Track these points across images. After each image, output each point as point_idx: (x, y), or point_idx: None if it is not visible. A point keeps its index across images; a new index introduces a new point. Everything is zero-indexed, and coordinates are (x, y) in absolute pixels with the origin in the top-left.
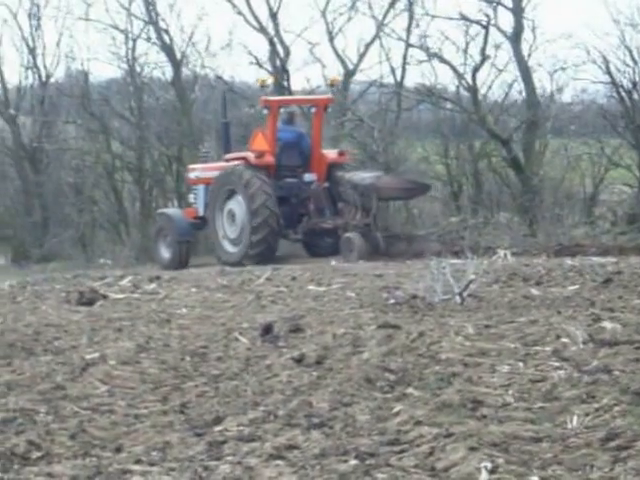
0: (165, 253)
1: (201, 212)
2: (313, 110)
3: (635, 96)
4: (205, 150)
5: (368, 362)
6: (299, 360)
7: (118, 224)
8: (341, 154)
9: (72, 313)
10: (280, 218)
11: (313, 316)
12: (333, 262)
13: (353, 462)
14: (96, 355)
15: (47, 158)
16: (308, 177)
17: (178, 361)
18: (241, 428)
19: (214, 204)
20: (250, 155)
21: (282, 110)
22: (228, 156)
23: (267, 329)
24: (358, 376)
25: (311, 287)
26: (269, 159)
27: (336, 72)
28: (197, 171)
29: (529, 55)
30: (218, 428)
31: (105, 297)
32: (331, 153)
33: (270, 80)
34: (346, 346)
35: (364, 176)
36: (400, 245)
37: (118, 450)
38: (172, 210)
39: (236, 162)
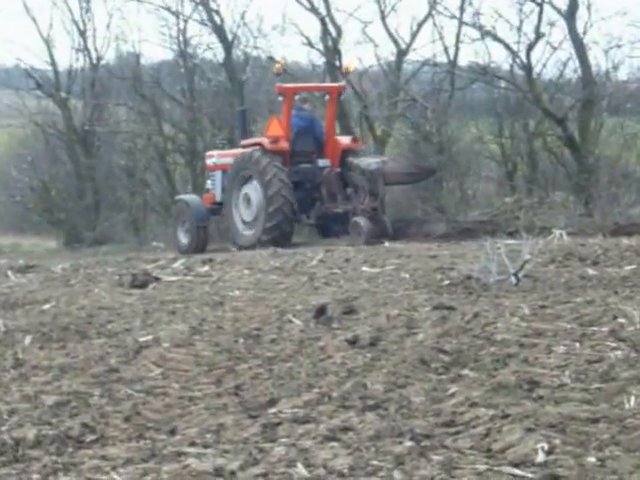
0: (183, 238)
1: (218, 198)
2: (327, 97)
3: None
4: (222, 137)
5: (422, 344)
6: (353, 342)
7: (170, 207)
8: (354, 140)
9: (125, 296)
10: (294, 205)
11: (367, 298)
12: (387, 243)
13: (408, 444)
14: (150, 338)
15: (98, 141)
16: (322, 163)
17: (232, 343)
18: (295, 410)
19: (231, 188)
20: (265, 141)
21: (296, 97)
22: (244, 142)
23: (321, 311)
24: (412, 358)
25: (365, 268)
26: (284, 145)
27: (352, 58)
28: (214, 157)
29: (584, 33)
30: (272, 410)
31: (158, 280)
32: (345, 139)
33: (282, 63)
34: (400, 328)
35: (370, 161)
36: (407, 228)
37: (172, 432)
38: (190, 196)
39: (252, 148)
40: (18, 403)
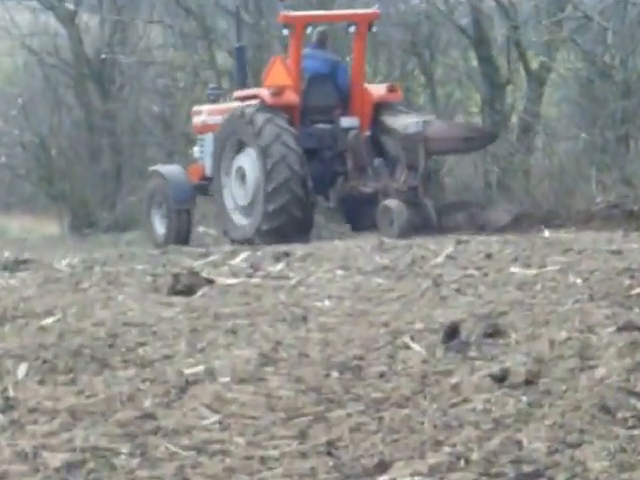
0: (159, 226)
1: (209, 171)
2: (353, 30)
3: None
4: (213, 86)
5: (604, 382)
6: (501, 379)
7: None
8: (392, 90)
9: (163, 307)
10: (307, 179)
11: (519, 313)
12: (546, 232)
13: None
14: (200, 369)
15: (121, 77)
16: (346, 122)
17: (321, 378)
18: (417, 479)
19: (219, 159)
20: (265, 92)
21: (309, 30)
22: (238, 94)
23: (451, 332)
24: (589, 403)
25: (515, 269)
26: (291, 97)
27: None
28: (203, 114)
29: None
30: (383, 478)
31: (211, 283)
32: (378, 88)
33: None
34: (570, 358)
35: (408, 122)
36: (458, 216)
37: None
38: (170, 168)
39: (249, 102)
40: (8, 464)
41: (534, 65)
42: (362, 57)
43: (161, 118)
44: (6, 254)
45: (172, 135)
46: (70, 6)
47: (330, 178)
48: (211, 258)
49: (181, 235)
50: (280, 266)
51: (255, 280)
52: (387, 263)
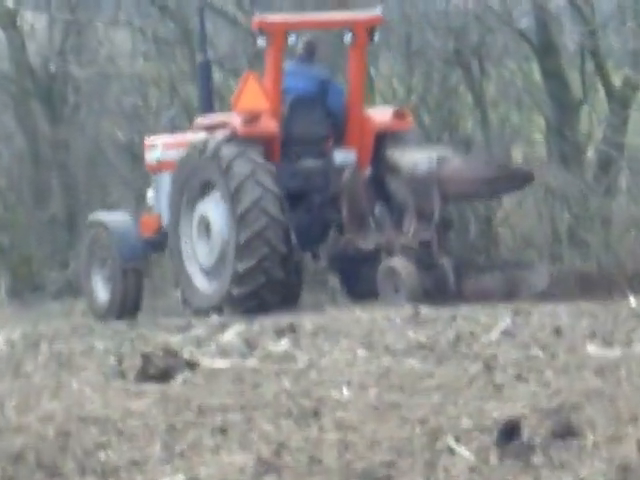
0: (101, 291)
1: (166, 220)
2: (349, 39)
3: None
4: (169, 113)
5: None
6: None
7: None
8: (399, 115)
9: (131, 397)
10: (290, 230)
11: (597, 406)
12: (632, 300)
13: None
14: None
15: (76, 94)
16: (341, 157)
17: None
18: None
19: (177, 204)
20: (235, 119)
21: (292, 38)
22: (201, 121)
23: (509, 431)
24: None
25: (592, 348)
26: (269, 125)
27: None
28: (159, 148)
29: None
30: None
31: (193, 366)
32: (382, 114)
33: None
34: None
35: (418, 158)
36: (483, 280)
37: None
38: (115, 217)
39: (212, 132)
40: None
41: (616, 81)
42: (361, 74)
43: (128, 148)
44: None
45: (142, 171)
46: (9, 3)
47: (320, 230)
48: (193, 332)
49: (129, 303)
50: (284, 343)
51: (251, 362)
52: (424, 340)
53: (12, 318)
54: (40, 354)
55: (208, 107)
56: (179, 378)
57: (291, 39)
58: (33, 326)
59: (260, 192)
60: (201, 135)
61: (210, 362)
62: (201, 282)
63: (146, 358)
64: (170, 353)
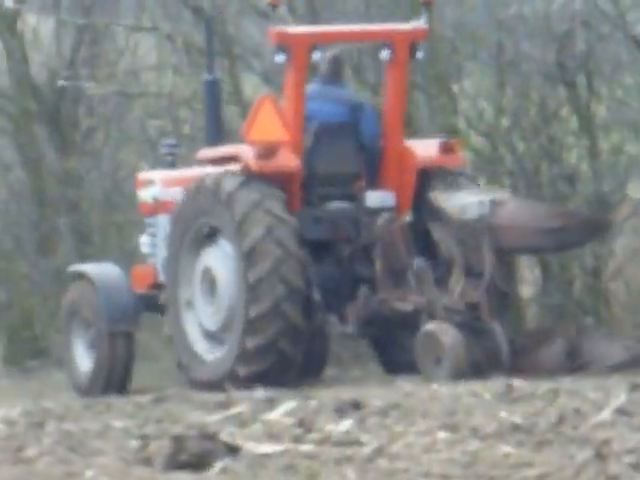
0: (83, 360)
1: (162, 271)
2: (387, 55)
3: None
4: (169, 142)
5: None
6: None
7: None
8: (447, 149)
9: None
10: (314, 290)
11: None
12: None
13: None
14: None
15: (90, 117)
16: (375, 199)
17: None
18: None
19: (176, 254)
20: (247, 152)
21: (318, 55)
22: (204, 154)
23: None
24: None
25: None
26: (288, 160)
27: None
28: (156, 186)
29: None
30: None
31: (234, 451)
32: (426, 147)
33: None
34: None
35: (469, 202)
36: (545, 350)
37: None
38: (101, 269)
39: (219, 168)
40: None
41: None
42: (400, 98)
43: None
44: None
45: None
46: (9, 3)
47: (348, 287)
48: (235, 410)
49: (117, 374)
50: (347, 424)
51: (307, 447)
52: (519, 421)
53: (10, 391)
54: (45, 436)
55: (215, 136)
56: (217, 466)
57: (316, 55)
58: (36, 401)
59: (279, 254)
60: (208, 170)
61: (255, 446)
62: (202, 347)
63: (177, 441)
64: (206, 435)
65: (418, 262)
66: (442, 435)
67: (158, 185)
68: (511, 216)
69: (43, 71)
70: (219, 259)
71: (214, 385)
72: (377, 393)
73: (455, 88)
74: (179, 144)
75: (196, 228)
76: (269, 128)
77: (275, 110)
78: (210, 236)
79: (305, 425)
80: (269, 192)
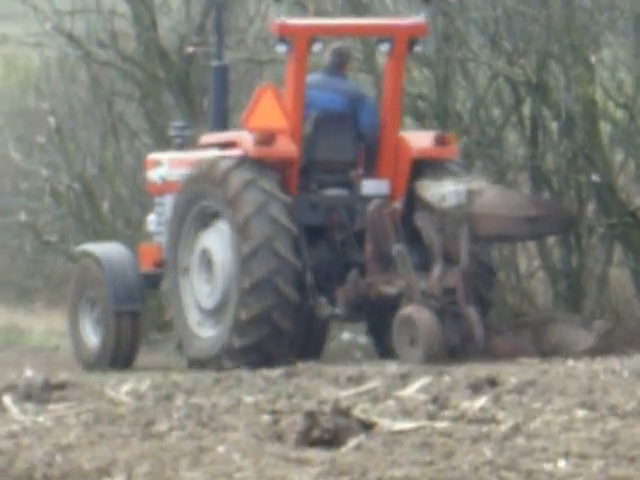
0: (91, 336)
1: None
2: (385, 49)
3: None
4: (178, 125)
5: None
6: None
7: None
8: (441, 141)
9: (291, 465)
10: (307, 272)
11: None
12: None
13: None
14: None
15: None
16: (370, 187)
17: None
18: None
19: (176, 236)
20: (247, 138)
21: (317, 46)
22: (206, 139)
23: None
24: None
25: None
26: (286, 147)
27: None
28: (163, 166)
29: None
30: None
31: (368, 428)
32: (421, 138)
33: None
34: None
35: (447, 191)
36: (517, 334)
37: None
38: (107, 248)
39: (218, 152)
40: None
41: None
42: (397, 90)
43: None
44: (28, 373)
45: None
46: None
47: (340, 272)
48: (368, 385)
49: (123, 351)
50: (482, 401)
51: (442, 424)
52: None
53: (136, 363)
54: (175, 410)
55: (221, 121)
56: (351, 443)
57: (316, 47)
58: (163, 374)
59: (271, 229)
60: (211, 153)
61: (390, 423)
62: (199, 326)
63: (310, 417)
64: (340, 411)
65: (398, 248)
66: (580, 413)
67: (166, 166)
68: (487, 205)
69: (172, 37)
70: (216, 240)
71: (212, 361)
72: (512, 370)
73: (593, 59)
74: (188, 126)
75: (194, 212)
76: (269, 116)
77: (275, 99)
78: (208, 219)
79: (439, 402)
80: (262, 171)
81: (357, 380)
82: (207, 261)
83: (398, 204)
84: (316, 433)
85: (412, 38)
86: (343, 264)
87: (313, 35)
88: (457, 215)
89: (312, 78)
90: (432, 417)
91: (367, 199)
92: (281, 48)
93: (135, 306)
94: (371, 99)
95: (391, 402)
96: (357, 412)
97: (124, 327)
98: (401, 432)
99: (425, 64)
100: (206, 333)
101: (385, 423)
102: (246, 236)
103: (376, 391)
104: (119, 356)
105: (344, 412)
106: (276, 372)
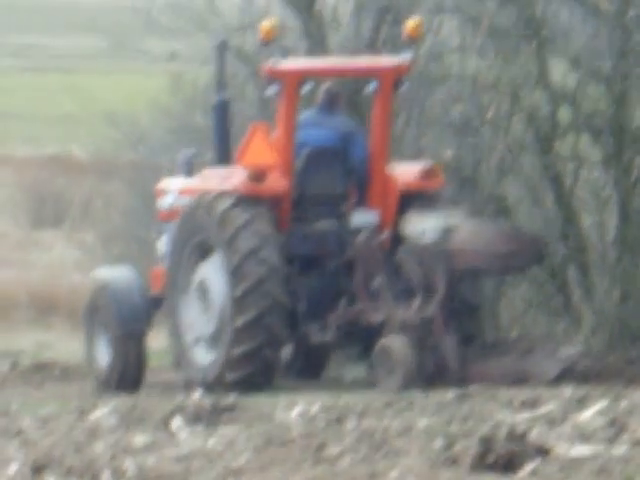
0: (102, 357)
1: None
2: (373, 88)
3: None
4: (187, 152)
5: None
6: None
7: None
8: (427, 174)
9: None
10: (299, 303)
11: None
12: None
13: None
14: None
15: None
16: (360, 218)
17: None
18: None
19: (177, 264)
20: (240, 174)
21: (307, 87)
22: (207, 173)
23: None
24: None
25: None
26: (277, 183)
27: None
28: (171, 193)
29: None
30: None
31: (545, 453)
32: (408, 170)
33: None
34: None
35: (427, 226)
36: (492, 363)
37: None
38: (117, 272)
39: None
40: None
41: None
42: (385, 125)
43: (455, 169)
44: (196, 395)
45: (476, 197)
46: None
47: (331, 299)
48: (543, 409)
49: (128, 372)
50: None
51: (620, 449)
52: None
53: (308, 384)
54: (346, 433)
55: (224, 155)
56: (527, 468)
57: (306, 87)
58: (335, 394)
59: (263, 272)
60: (214, 183)
61: (566, 448)
62: (196, 352)
63: (485, 442)
64: (515, 436)
65: (379, 279)
66: None
67: (174, 194)
68: (463, 241)
69: (341, 52)
70: (212, 272)
71: (205, 387)
72: None
73: None
74: (197, 154)
75: (194, 243)
76: (260, 153)
77: (266, 137)
78: (206, 252)
79: (618, 426)
80: (258, 213)
81: (532, 403)
82: (204, 291)
83: (385, 235)
84: (491, 458)
85: (399, 77)
86: (334, 292)
87: (302, 77)
88: (435, 250)
89: (305, 116)
90: (610, 442)
91: (357, 230)
92: (272, 90)
93: (141, 328)
94: (361, 134)
95: (567, 426)
96: (533, 437)
97: (130, 349)
98: (578, 458)
99: (601, 80)
100: (202, 359)
101: (562, 448)
102: (239, 278)
103: (552, 415)
104: (126, 378)
105: (519, 437)
106: (449, 395)
